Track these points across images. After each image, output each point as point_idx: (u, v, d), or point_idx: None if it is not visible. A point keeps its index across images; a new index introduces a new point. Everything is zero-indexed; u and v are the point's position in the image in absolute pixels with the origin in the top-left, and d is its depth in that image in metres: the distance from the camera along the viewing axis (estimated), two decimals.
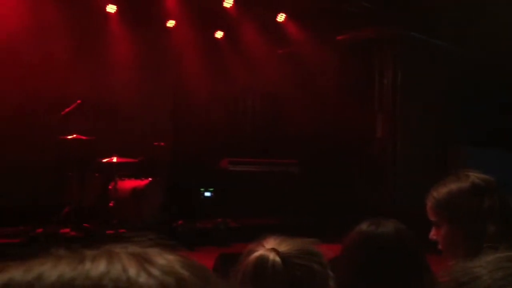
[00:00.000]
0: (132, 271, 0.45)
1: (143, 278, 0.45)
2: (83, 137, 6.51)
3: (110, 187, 6.75)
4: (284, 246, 1.22)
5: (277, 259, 1.18)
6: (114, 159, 6.70)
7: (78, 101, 6.61)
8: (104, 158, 6.70)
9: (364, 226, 1.65)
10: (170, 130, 8.61)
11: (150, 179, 6.92)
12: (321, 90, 8.62)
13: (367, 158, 8.37)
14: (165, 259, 0.48)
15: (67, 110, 6.54)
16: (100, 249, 0.49)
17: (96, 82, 7.47)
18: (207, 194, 7.94)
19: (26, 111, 6.93)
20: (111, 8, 7.87)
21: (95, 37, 7.77)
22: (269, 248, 1.21)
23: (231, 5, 8.31)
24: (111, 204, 6.63)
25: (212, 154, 8.32)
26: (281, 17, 8.72)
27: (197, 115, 8.69)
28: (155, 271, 0.46)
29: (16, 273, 0.45)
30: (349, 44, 8.57)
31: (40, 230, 5.89)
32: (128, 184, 6.85)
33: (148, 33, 8.10)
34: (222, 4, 8.26)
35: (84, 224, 6.33)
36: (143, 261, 0.47)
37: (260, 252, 1.21)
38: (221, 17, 8.48)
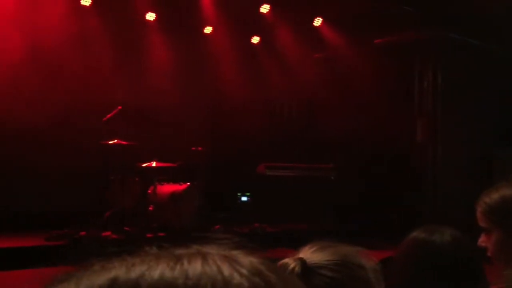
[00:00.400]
0: (226, 271, 0.47)
1: (236, 279, 0.47)
2: (124, 142, 6.67)
3: (149, 191, 6.88)
4: (317, 255, 1.18)
5: (297, 269, 1.14)
6: (154, 164, 6.84)
7: (119, 107, 6.79)
8: (144, 163, 6.84)
9: (418, 233, 1.60)
10: (208, 135, 8.71)
11: (188, 183, 7.02)
12: (358, 94, 8.53)
13: (406, 163, 8.22)
14: (250, 261, 0.49)
15: (108, 116, 6.73)
16: (190, 249, 0.50)
17: (136, 88, 7.65)
18: (244, 198, 7.98)
19: (70, 118, 7.16)
20: (150, 16, 8.04)
21: (135, 44, 7.96)
22: (296, 257, 1.18)
23: (267, 10, 8.35)
24: (150, 208, 6.76)
25: (249, 159, 8.36)
26: (317, 22, 8.70)
27: (234, 120, 8.75)
28: (245, 272, 0.48)
29: (120, 271, 0.47)
30: (387, 47, 8.45)
31: (83, 233, 6.07)
32: (167, 188, 6.97)
33: (186, 40, 8.23)
34: (259, 9, 8.31)
35: (124, 228, 6.47)
36: (232, 262, 0.48)
37: (285, 260, 1.17)
38: (258, 23, 8.53)
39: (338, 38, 8.65)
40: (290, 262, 1.16)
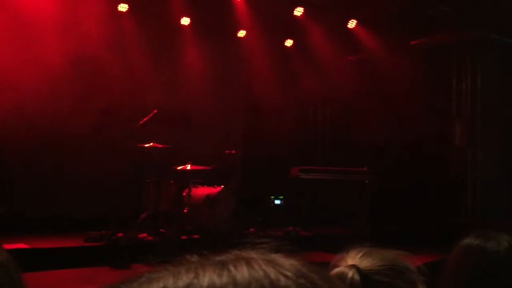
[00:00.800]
0: (273, 275, 0.47)
1: (283, 282, 0.47)
2: (160, 146, 6.77)
3: (184, 194, 6.96)
4: (367, 261, 1.16)
5: (356, 277, 1.12)
6: (188, 167, 6.91)
7: (155, 111, 6.90)
8: (179, 166, 6.93)
9: (471, 240, 1.54)
10: (242, 139, 8.75)
11: (222, 186, 7.06)
12: (394, 96, 8.40)
13: (443, 166, 8.03)
14: (292, 264, 0.50)
15: (144, 119, 6.85)
16: (231, 255, 0.51)
17: (171, 92, 7.76)
18: (277, 202, 7.97)
19: (107, 122, 7.32)
20: (185, 21, 8.15)
21: (170, 49, 8.08)
22: (349, 265, 1.16)
23: (301, 13, 8.34)
24: (185, 211, 6.83)
25: (283, 162, 8.35)
26: (352, 24, 8.62)
27: (267, 124, 8.76)
28: (291, 275, 0.48)
29: (168, 281, 0.47)
30: (424, 49, 8.29)
31: (120, 234, 6.19)
32: (202, 191, 7.03)
33: (220, 44, 8.30)
34: (292, 12, 8.31)
35: (160, 230, 6.57)
36: (276, 265, 0.49)
37: (339, 268, 1.15)
38: (291, 26, 8.53)
39: (373, 40, 8.55)
40: (346, 270, 1.14)
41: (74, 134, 7.00)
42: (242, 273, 0.47)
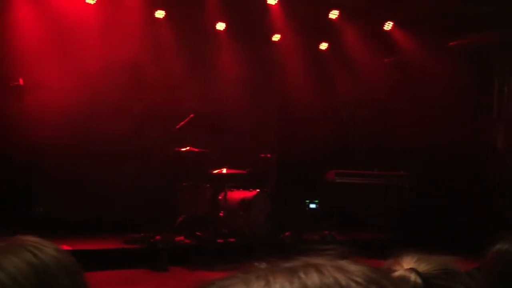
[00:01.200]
0: (343, 281, 0.48)
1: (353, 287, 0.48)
2: (196, 149, 6.86)
3: (220, 197, 7.02)
4: (424, 265, 1.16)
5: (418, 280, 1.13)
6: (224, 171, 6.97)
7: (191, 115, 6.99)
8: (215, 170, 6.99)
9: (501, 245, 1.52)
10: (277, 142, 8.75)
11: (258, 190, 7.08)
12: (432, 99, 8.23)
13: (484, 170, 7.81)
14: (361, 270, 0.50)
15: (181, 123, 6.95)
16: (299, 262, 0.51)
17: (207, 96, 7.85)
18: (312, 206, 7.93)
19: (145, 126, 7.46)
20: (220, 26, 8.24)
21: (205, 54, 8.18)
22: (408, 268, 1.16)
23: (336, 16, 8.29)
24: (221, 214, 6.89)
25: (318, 165, 8.30)
26: (388, 26, 8.51)
27: (303, 127, 8.74)
28: (361, 281, 0.48)
29: None
30: (464, 50, 8.09)
31: (158, 237, 6.29)
32: (237, 195, 7.07)
33: (255, 48, 8.34)
34: (328, 15, 8.27)
35: (196, 233, 6.64)
36: (345, 271, 0.49)
37: (400, 272, 1.15)
38: (326, 29, 8.49)
39: (410, 41, 8.41)
40: (407, 274, 1.15)
41: (112, 138, 7.16)
42: (313, 279, 0.47)
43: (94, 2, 7.25)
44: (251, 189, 7.14)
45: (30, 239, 0.91)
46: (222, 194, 6.98)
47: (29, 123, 6.52)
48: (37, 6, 6.95)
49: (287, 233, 7.05)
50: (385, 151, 8.84)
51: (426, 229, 7.44)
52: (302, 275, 0.48)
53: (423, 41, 8.19)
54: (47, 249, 0.89)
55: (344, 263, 0.51)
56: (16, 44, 6.73)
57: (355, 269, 0.50)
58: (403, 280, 1.13)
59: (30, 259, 0.85)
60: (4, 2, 6.80)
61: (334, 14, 8.27)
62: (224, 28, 8.27)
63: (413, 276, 1.13)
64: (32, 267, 0.84)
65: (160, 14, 7.80)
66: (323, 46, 9.06)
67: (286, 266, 0.50)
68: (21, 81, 6.31)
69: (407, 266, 1.17)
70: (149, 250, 6.12)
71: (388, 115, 9.15)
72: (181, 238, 6.57)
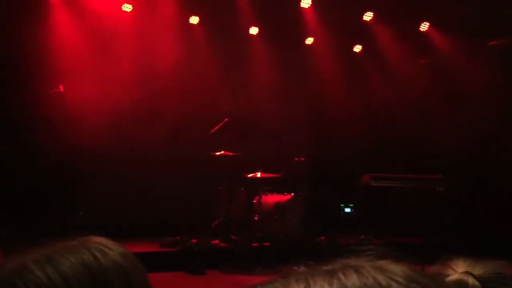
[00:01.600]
0: (383, 281, 0.48)
1: (394, 287, 0.48)
2: (230, 154, 6.90)
3: (254, 201, 7.03)
4: (477, 268, 1.14)
5: (476, 283, 1.10)
6: (258, 174, 6.98)
7: (225, 119, 7.05)
8: (249, 173, 7.02)
9: None
10: (311, 146, 8.71)
11: (292, 194, 7.07)
12: (469, 100, 8.03)
13: None
14: (401, 270, 0.50)
15: (216, 128, 7.01)
16: (338, 264, 0.51)
17: (241, 100, 7.89)
18: (347, 210, 7.85)
19: (180, 131, 7.57)
20: (253, 31, 8.28)
21: (239, 58, 8.24)
22: (464, 272, 1.14)
23: (371, 18, 8.21)
24: (255, 218, 6.90)
25: (353, 169, 8.22)
26: (424, 26, 8.36)
27: (337, 130, 8.67)
28: (402, 280, 0.48)
29: None
30: (503, 49, 7.86)
31: (194, 241, 6.35)
32: (272, 198, 7.07)
33: (288, 51, 8.34)
34: (362, 17, 8.20)
35: (231, 237, 6.67)
36: (385, 271, 0.49)
37: (456, 276, 1.13)
38: (360, 31, 8.41)
39: (447, 42, 8.24)
40: (464, 277, 1.14)
41: (149, 144, 7.30)
42: (353, 280, 0.48)
43: (130, 10, 7.41)
44: (285, 193, 7.13)
45: (99, 240, 0.89)
46: (257, 198, 7.00)
47: (69, 129, 6.72)
48: (75, 14, 7.16)
49: (322, 238, 7.01)
50: (421, 154, 8.66)
51: (463, 233, 7.26)
52: (341, 276, 0.48)
53: (461, 41, 8.00)
54: (111, 253, 0.85)
55: (385, 263, 0.51)
56: (56, 51, 6.94)
57: (396, 269, 0.49)
58: (460, 283, 1.11)
59: (89, 261, 0.82)
60: (44, 10, 7.03)
61: (368, 16, 8.19)
62: (257, 32, 8.31)
63: (470, 280, 1.11)
64: (89, 270, 0.80)
65: (194, 20, 7.91)
66: (357, 48, 8.98)
67: (325, 268, 0.50)
68: (61, 88, 6.51)
69: (460, 269, 1.14)
70: (185, 254, 6.18)
71: (424, 118, 8.97)
72: (217, 241, 6.62)
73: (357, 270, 0.49)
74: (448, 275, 1.14)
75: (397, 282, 0.47)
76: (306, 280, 0.48)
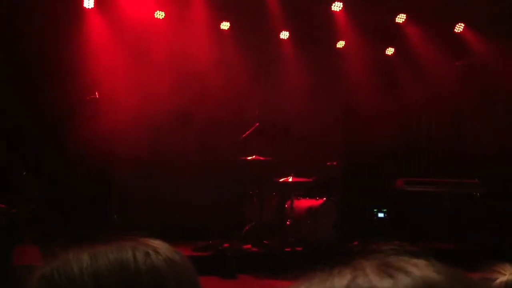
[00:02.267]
0: (375, 278, 0.50)
1: (387, 283, 0.49)
2: (262, 158, 6.91)
3: (286, 206, 7.01)
4: None
5: None
6: (290, 179, 6.96)
7: (256, 124, 7.06)
8: (281, 178, 7.01)
9: None
10: (343, 150, 8.64)
11: (324, 198, 7.01)
12: (505, 103, 7.81)
13: None
14: (413, 265, 0.52)
15: (247, 132, 7.04)
16: (347, 264, 0.54)
17: (272, 104, 7.89)
18: (381, 215, 7.73)
19: (212, 136, 7.63)
20: (284, 35, 8.29)
21: (270, 63, 8.25)
22: None
23: (403, 20, 8.10)
24: (287, 223, 6.88)
25: (386, 173, 8.10)
26: (458, 28, 8.20)
27: (369, 134, 8.56)
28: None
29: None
30: None
31: (226, 245, 6.38)
32: (304, 203, 7.04)
33: (319, 55, 8.30)
34: (394, 20, 8.09)
35: (263, 241, 6.67)
36: (388, 269, 0.51)
37: (507, 277, 1.18)
38: (392, 33, 8.31)
39: (483, 43, 8.05)
40: None
41: (181, 149, 7.38)
42: (343, 280, 0.50)
43: (163, 17, 7.52)
44: (317, 198, 7.08)
45: (151, 243, 0.85)
46: (289, 202, 6.97)
47: (104, 135, 6.85)
48: (109, 22, 7.31)
49: (355, 242, 6.92)
50: (456, 158, 8.47)
51: (500, 238, 7.05)
52: (336, 277, 0.50)
53: (497, 42, 7.80)
54: (155, 257, 0.81)
55: (396, 260, 0.53)
56: (91, 58, 7.10)
57: (407, 266, 0.51)
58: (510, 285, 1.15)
59: (127, 263, 0.79)
60: (79, 18, 7.21)
61: (401, 18, 8.08)
62: (287, 36, 8.30)
63: None
64: (124, 272, 0.78)
65: (225, 25, 7.97)
66: (389, 51, 8.86)
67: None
68: (97, 95, 6.66)
69: (509, 272, 1.18)
70: (218, 258, 6.21)
71: (459, 121, 8.77)
72: (249, 246, 6.62)
73: (354, 269, 0.51)
74: (496, 278, 1.17)
75: (395, 278, 0.49)
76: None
